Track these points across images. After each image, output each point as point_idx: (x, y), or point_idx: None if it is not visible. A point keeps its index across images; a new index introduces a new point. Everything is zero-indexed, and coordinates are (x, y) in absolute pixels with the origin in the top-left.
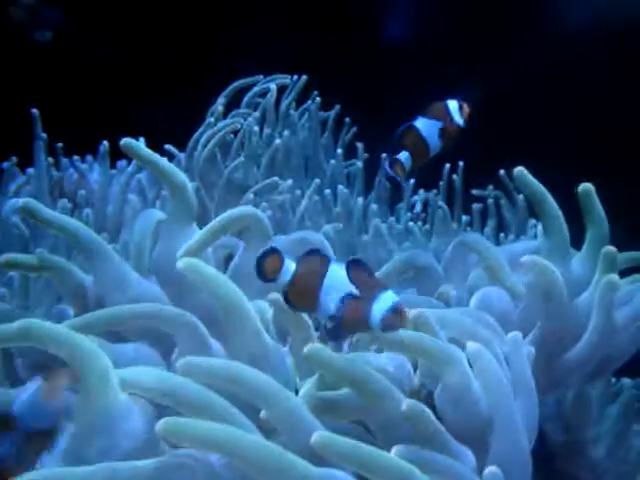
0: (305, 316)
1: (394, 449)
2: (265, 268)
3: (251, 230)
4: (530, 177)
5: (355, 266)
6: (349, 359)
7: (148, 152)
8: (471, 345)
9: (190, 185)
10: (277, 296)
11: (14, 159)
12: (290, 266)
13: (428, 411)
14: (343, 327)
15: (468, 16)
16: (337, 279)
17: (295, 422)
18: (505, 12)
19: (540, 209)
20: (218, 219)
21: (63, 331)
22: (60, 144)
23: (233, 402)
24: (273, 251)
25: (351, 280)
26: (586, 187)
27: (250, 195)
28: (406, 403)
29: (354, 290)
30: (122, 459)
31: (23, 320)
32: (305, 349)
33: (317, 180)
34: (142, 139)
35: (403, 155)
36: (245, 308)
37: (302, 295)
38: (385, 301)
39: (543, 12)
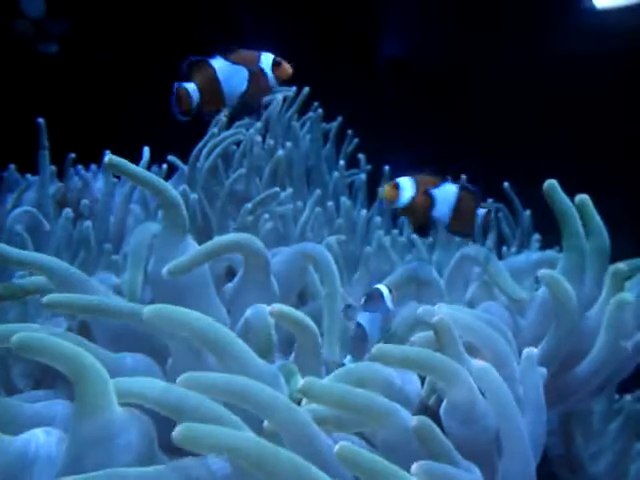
0: (311, 323)
1: (414, 466)
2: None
3: (249, 262)
4: (560, 192)
5: (228, 52)
6: (346, 387)
7: (134, 168)
8: (479, 362)
9: (180, 199)
10: (279, 307)
11: (12, 167)
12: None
13: (437, 428)
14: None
15: (465, 25)
16: (226, 69)
17: (300, 434)
18: (502, 19)
19: (565, 226)
20: (215, 242)
21: (61, 344)
22: (72, 155)
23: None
24: (179, 89)
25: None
26: (582, 198)
27: (248, 205)
28: (415, 419)
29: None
30: None
31: (21, 333)
32: (299, 384)
33: (318, 191)
34: (147, 149)
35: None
36: (227, 338)
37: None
38: (267, 60)
39: (541, 20)
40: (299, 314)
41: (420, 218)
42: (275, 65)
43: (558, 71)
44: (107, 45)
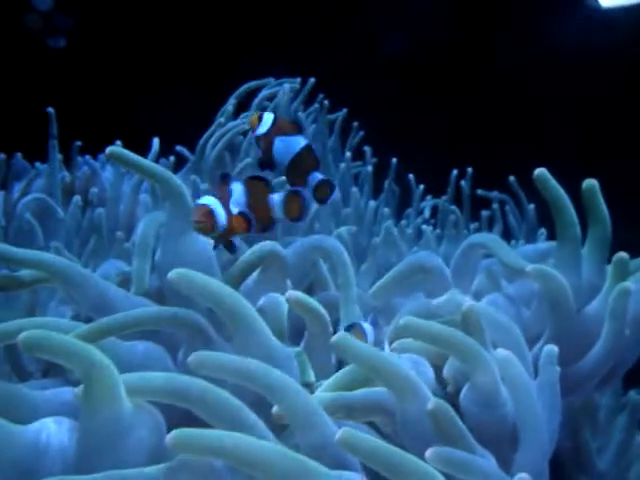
0: (323, 311)
1: (428, 451)
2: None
3: (268, 265)
4: (552, 180)
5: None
6: (377, 351)
7: (137, 158)
8: (501, 351)
9: (185, 189)
10: (295, 293)
11: (19, 155)
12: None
13: (454, 413)
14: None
15: (468, 20)
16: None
17: (308, 419)
18: (505, 16)
19: (557, 215)
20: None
21: (69, 341)
22: (78, 142)
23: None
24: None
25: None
26: (590, 183)
27: None
28: (433, 401)
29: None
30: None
31: (28, 331)
32: (333, 337)
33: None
34: (157, 140)
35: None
36: (248, 311)
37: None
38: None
39: (547, 18)
40: (313, 301)
41: (266, 153)
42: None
43: (564, 67)
44: (116, 36)
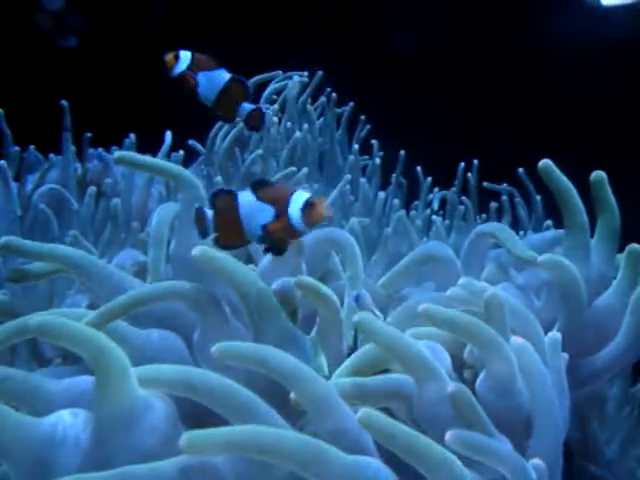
0: (333, 296)
1: (448, 434)
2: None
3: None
4: (557, 171)
5: (259, 186)
6: (398, 333)
7: (144, 159)
8: (517, 339)
9: (197, 180)
10: (306, 279)
11: (32, 148)
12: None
13: (473, 397)
14: (276, 243)
15: (474, 15)
16: (250, 206)
17: (325, 406)
18: (509, 14)
19: (564, 205)
20: None
21: (80, 328)
22: (88, 134)
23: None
24: (198, 213)
25: (261, 200)
26: (599, 175)
27: None
28: (453, 385)
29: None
30: (144, 457)
31: (41, 317)
32: (356, 316)
33: (348, 176)
34: (169, 134)
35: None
36: (266, 292)
37: (230, 236)
38: (297, 201)
39: (547, 16)
40: (323, 287)
41: (189, 90)
42: (306, 207)
43: (569, 62)
44: (124, 31)
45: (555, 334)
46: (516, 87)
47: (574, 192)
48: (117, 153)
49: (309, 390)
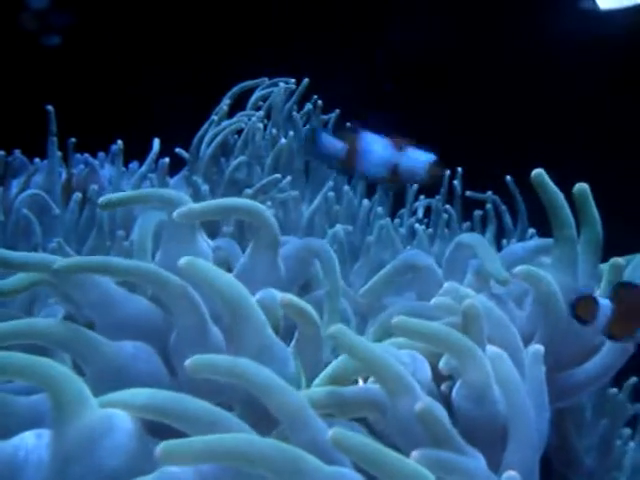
0: (314, 313)
1: (414, 452)
2: (580, 313)
3: (260, 236)
4: (549, 182)
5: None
6: (373, 345)
7: (129, 194)
8: (492, 348)
9: (187, 197)
10: (288, 297)
11: (18, 152)
12: (606, 307)
13: (443, 413)
14: None
15: (463, 21)
16: None
17: (299, 418)
18: (504, 18)
19: (554, 216)
20: (229, 200)
21: (29, 360)
22: (73, 139)
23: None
24: (586, 297)
25: None
26: (582, 187)
27: (249, 191)
28: (420, 402)
29: None
30: (110, 478)
31: None
32: (331, 328)
33: (330, 183)
34: (157, 141)
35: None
36: (248, 301)
37: (626, 327)
38: None
39: (539, 17)
40: (304, 304)
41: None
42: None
43: (561, 69)
44: (111, 37)
45: (537, 346)
46: (505, 94)
47: (565, 205)
48: (102, 199)
49: (283, 402)
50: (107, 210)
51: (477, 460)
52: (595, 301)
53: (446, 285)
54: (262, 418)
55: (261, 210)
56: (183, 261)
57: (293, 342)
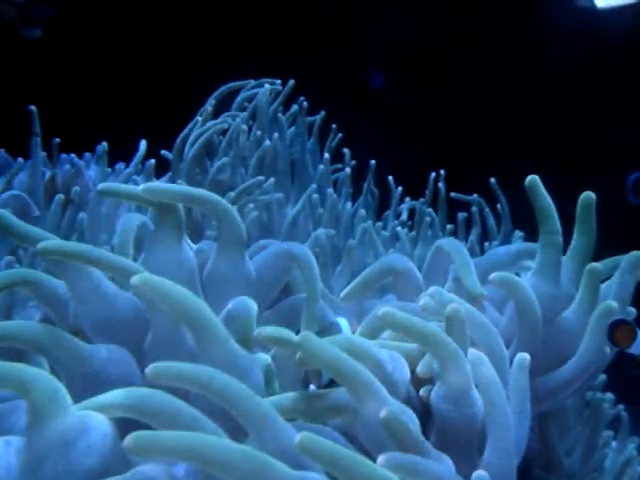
0: (293, 337)
1: (380, 457)
2: (618, 338)
3: (224, 235)
4: (542, 189)
5: None
6: (342, 354)
7: (129, 188)
8: (474, 352)
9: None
10: (265, 332)
11: (2, 151)
12: None
13: (412, 418)
14: None
15: (451, 25)
16: None
17: (263, 424)
18: (498, 18)
19: (542, 222)
20: (195, 191)
21: (3, 365)
22: (57, 139)
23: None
24: (624, 322)
25: None
26: (589, 196)
27: (232, 194)
28: (385, 409)
29: None
30: (83, 477)
31: None
32: (297, 338)
33: (314, 185)
34: (144, 142)
35: None
36: (206, 317)
37: None
38: None
39: (539, 20)
40: (281, 332)
41: None
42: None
43: (554, 71)
44: (95, 37)
45: (523, 355)
46: (492, 96)
47: (554, 212)
48: (99, 187)
49: (247, 409)
50: (103, 197)
51: (444, 464)
52: (634, 329)
53: (431, 289)
54: (236, 428)
55: (226, 208)
56: (136, 279)
57: (271, 353)
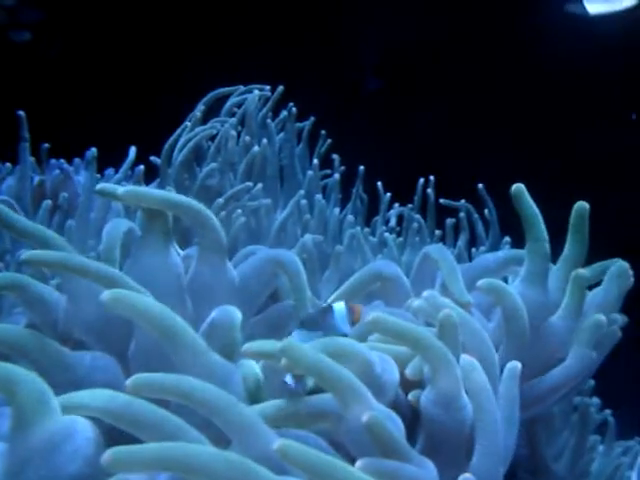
0: (274, 345)
1: (358, 462)
2: None
3: (204, 241)
4: (527, 197)
5: None
6: (325, 358)
7: (127, 189)
8: (466, 358)
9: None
10: (248, 348)
11: None
12: None
13: (396, 423)
14: None
15: (441, 31)
16: None
17: (246, 432)
18: (492, 24)
19: (529, 230)
20: (175, 197)
21: None
22: (46, 145)
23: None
24: None
25: None
26: (582, 206)
27: (220, 200)
28: (367, 413)
29: None
30: None
31: None
32: (279, 344)
33: (302, 191)
34: (133, 148)
35: None
36: (182, 330)
37: None
38: None
39: (532, 26)
40: (268, 345)
41: None
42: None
43: (546, 77)
44: (52, 41)
45: (514, 363)
46: (482, 103)
47: (540, 220)
48: (99, 187)
49: (229, 417)
50: (100, 197)
51: (426, 470)
52: None
53: (426, 293)
54: (218, 436)
55: (206, 214)
56: (107, 295)
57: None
